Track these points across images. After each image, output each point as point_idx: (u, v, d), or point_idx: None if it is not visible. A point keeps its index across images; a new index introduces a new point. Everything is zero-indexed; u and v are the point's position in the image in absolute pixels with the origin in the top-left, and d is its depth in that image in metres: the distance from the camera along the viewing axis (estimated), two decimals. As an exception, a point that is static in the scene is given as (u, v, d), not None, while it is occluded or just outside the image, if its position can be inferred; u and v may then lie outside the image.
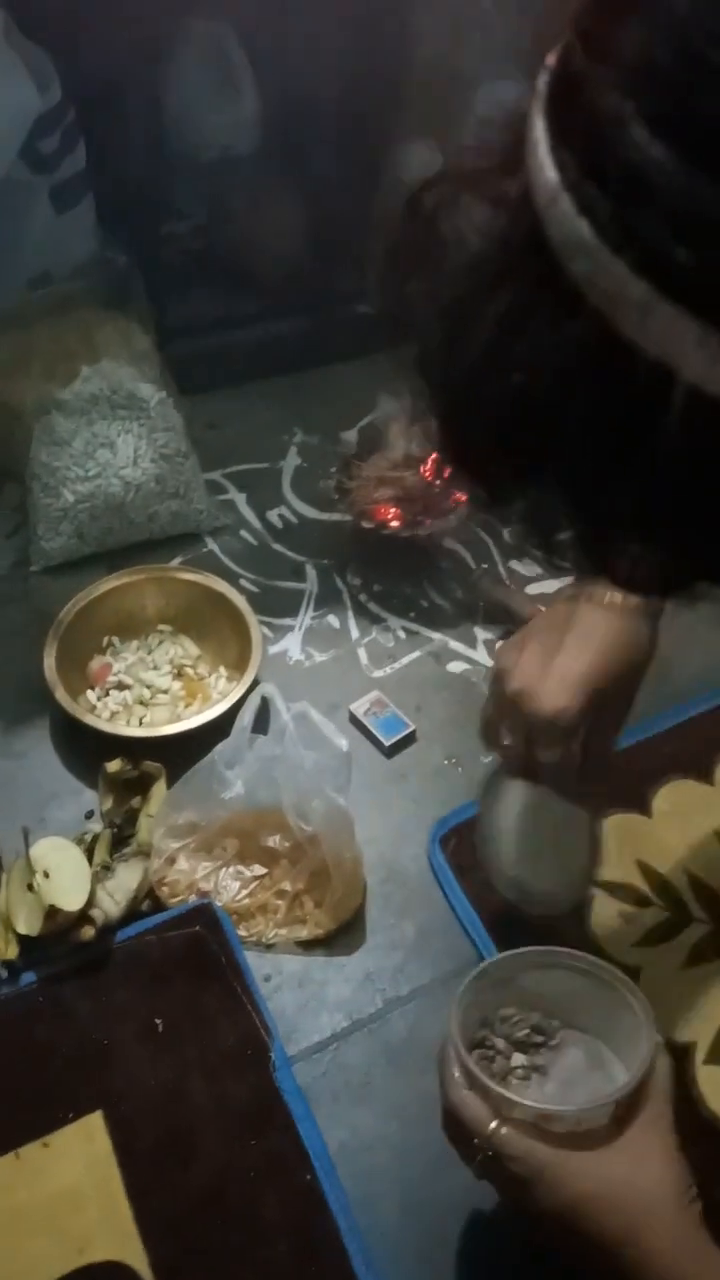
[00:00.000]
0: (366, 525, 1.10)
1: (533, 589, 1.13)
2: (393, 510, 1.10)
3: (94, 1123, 0.74)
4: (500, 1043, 0.68)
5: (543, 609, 0.81)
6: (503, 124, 0.34)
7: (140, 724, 0.96)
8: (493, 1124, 0.60)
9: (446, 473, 1.13)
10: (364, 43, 1.22)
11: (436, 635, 1.09)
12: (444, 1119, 0.65)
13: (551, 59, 0.32)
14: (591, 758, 0.74)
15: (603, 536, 0.37)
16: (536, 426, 0.34)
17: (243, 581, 1.12)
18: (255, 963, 0.83)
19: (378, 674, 1.05)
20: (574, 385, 0.32)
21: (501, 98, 0.96)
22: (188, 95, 1.25)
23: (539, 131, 0.32)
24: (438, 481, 1.12)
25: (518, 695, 0.71)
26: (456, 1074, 0.63)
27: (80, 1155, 0.73)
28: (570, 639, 0.71)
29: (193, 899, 0.84)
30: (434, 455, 1.14)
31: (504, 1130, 0.60)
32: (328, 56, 1.20)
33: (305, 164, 1.29)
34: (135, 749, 0.91)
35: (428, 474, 1.12)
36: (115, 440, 1.08)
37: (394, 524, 1.10)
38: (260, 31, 1.23)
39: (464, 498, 1.13)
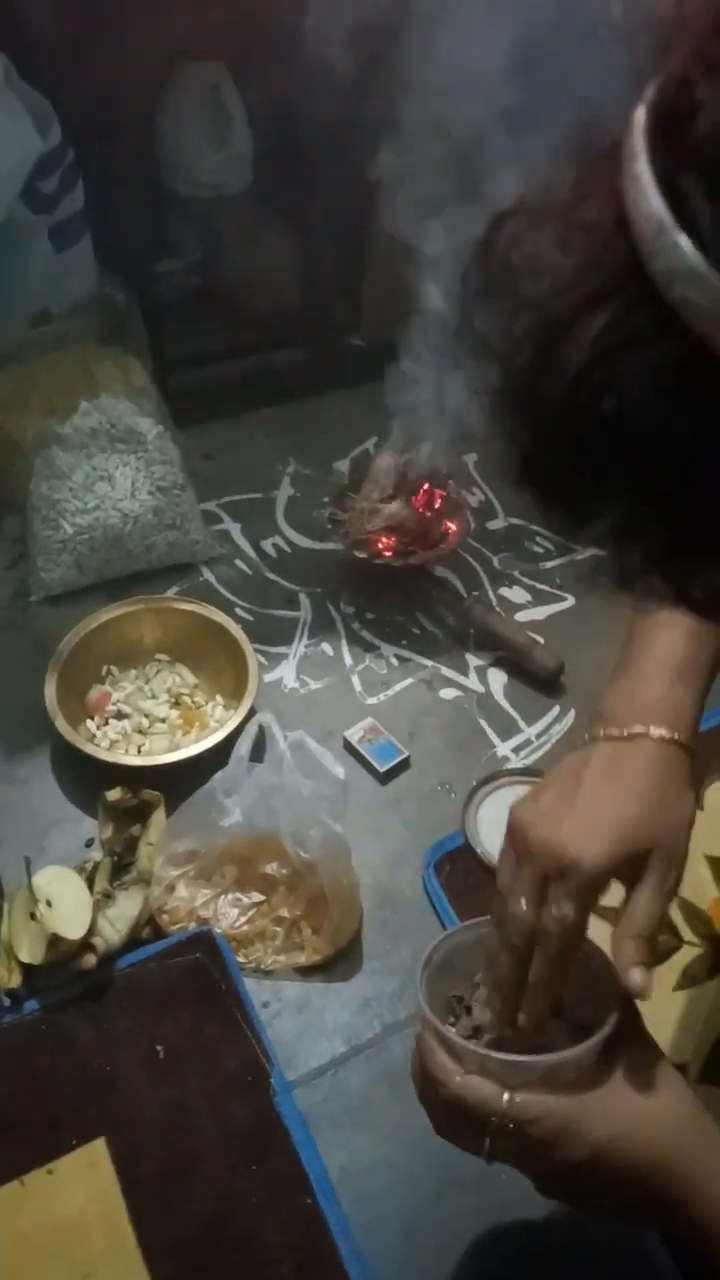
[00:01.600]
0: (359, 555, 1.12)
1: (522, 616, 1.15)
2: (384, 540, 1.12)
3: (97, 1149, 0.75)
4: (475, 1016, 0.65)
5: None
6: (580, 156, 0.35)
7: (139, 752, 0.97)
8: (505, 1096, 0.56)
9: (437, 503, 1.15)
10: (356, 82, 1.25)
11: (429, 662, 1.11)
12: (444, 1114, 0.61)
13: (651, 90, 0.33)
14: (630, 926, 0.61)
15: (689, 558, 0.36)
16: (632, 447, 0.33)
17: (238, 610, 1.14)
18: (254, 989, 0.84)
19: (371, 701, 1.07)
20: (673, 405, 0.32)
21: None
22: (183, 136, 1.27)
23: (641, 163, 0.32)
24: (428, 512, 1.14)
25: (540, 843, 0.60)
26: (449, 1064, 0.59)
27: (84, 1182, 0.74)
28: (598, 776, 0.61)
29: (193, 926, 0.86)
30: (425, 486, 1.16)
31: (518, 1098, 0.56)
32: (319, 96, 1.23)
33: (298, 200, 1.32)
34: (134, 777, 0.92)
35: (419, 504, 1.14)
36: (114, 473, 1.10)
37: (386, 554, 1.12)
38: (253, 72, 1.26)
39: (455, 527, 1.15)
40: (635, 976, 0.59)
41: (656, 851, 0.60)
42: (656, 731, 0.62)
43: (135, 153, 1.18)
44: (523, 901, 0.60)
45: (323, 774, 0.85)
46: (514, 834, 0.62)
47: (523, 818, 0.61)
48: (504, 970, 0.61)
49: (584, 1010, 0.62)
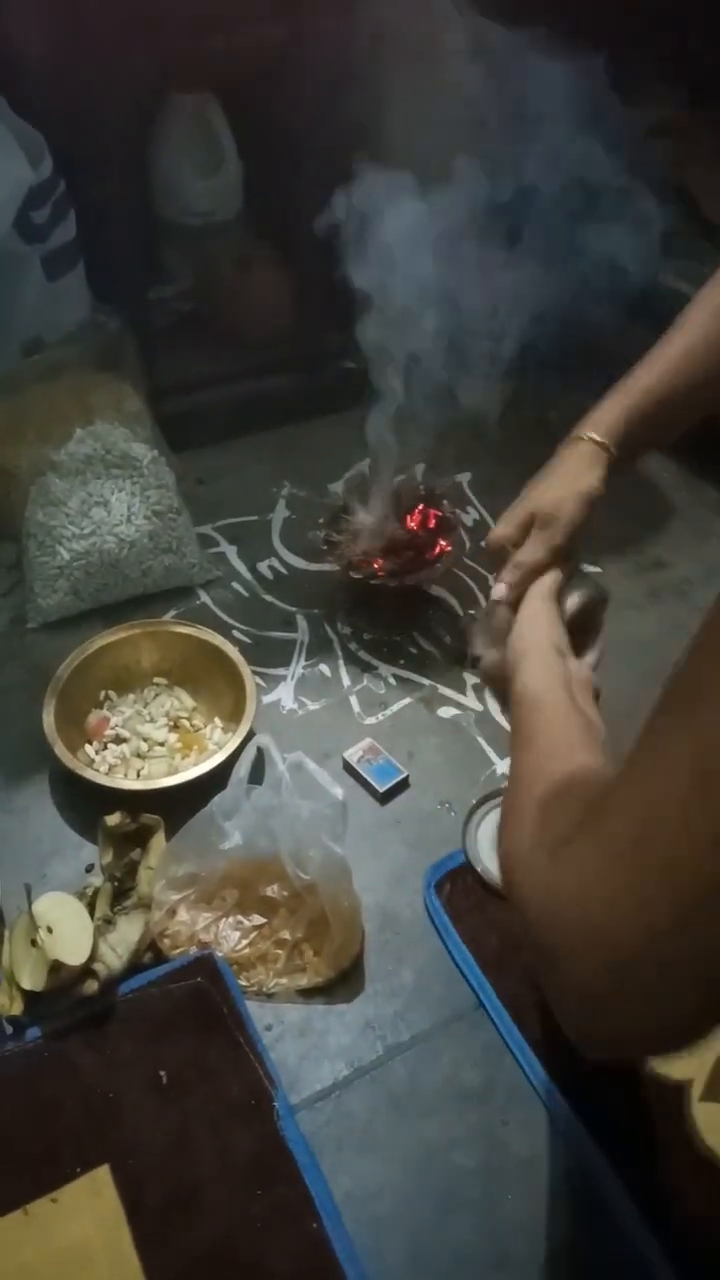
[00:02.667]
0: (355, 576, 1.12)
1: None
2: (379, 561, 1.13)
3: (101, 1177, 0.75)
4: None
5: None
6: None
7: (138, 776, 0.97)
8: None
9: (431, 523, 1.16)
10: (342, 106, 1.27)
11: (426, 681, 1.11)
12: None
13: None
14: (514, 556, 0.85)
15: None
16: None
17: (235, 633, 1.15)
18: (257, 1012, 0.84)
19: (370, 721, 1.07)
20: None
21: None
22: (174, 165, 1.29)
23: None
24: (422, 532, 1.15)
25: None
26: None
27: (89, 1210, 0.74)
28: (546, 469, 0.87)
29: (194, 950, 0.86)
30: (419, 506, 1.16)
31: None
32: (307, 122, 1.24)
33: (288, 226, 1.33)
34: (134, 802, 0.92)
35: (413, 525, 1.14)
36: (109, 499, 1.10)
37: (381, 574, 1.12)
38: (241, 102, 1.28)
39: (449, 547, 1.16)
40: (499, 588, 0.84)
41: (550, 513, 0.83)
42: (587, 434, 0.84)
43: (126, 182, 1.19)
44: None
45: (322, 795, 0.85)
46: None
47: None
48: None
49: None
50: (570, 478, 0.84)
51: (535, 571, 0.83)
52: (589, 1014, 0.49)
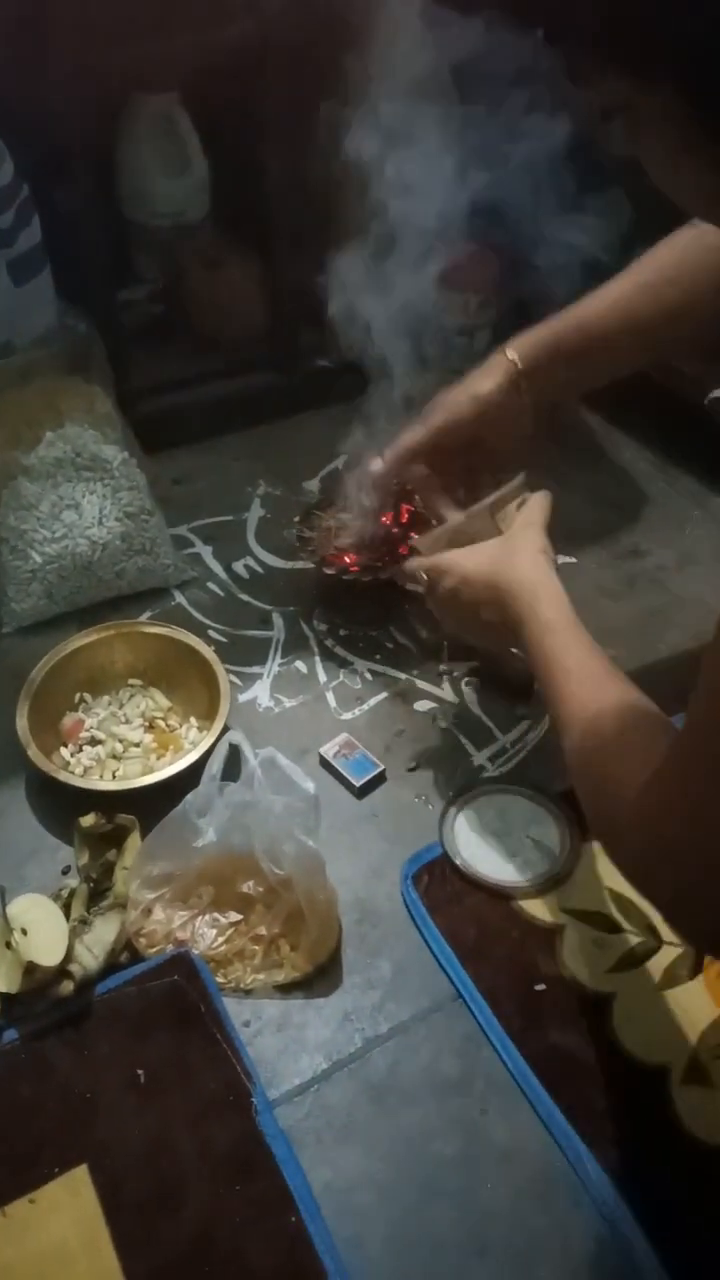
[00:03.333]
0: (328, 571, 1.12)
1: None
2: (351, 556, 1.13)
3: (79, 1177, 0.75)
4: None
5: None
6: None
7: (114, 777, 0.97)
8: (424, 561, 0.93)
9: (404, 518, 1.16)
10: (307, 103, 1.27)
11: (403, 675, 1.11)
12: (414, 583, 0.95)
13: None
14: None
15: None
16: None
17: (211, 632, 1.15)
18: (234, 1009, 0.84)
19: (346, 716, 1.07)
20: None
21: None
22: (140, 166, 1.29)
23: None
24: (395, 526, 1.14)
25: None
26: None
27: (67, 1210, 0.73)
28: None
29: (170, 949, 0.85)
30: (392, 501, 1.16)
31: (413, 562, 0.93)
32: (271, 119, 1.24)
33: (257, 224, 1.33)
34: (110, 802, 0.92)
35: (386, 519, 1.14)
36: (81, 501, 1.10)
37: (354, 569, 1.12)
38: (205, 101, 1.28)
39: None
40: (375, 463, 1.03)
41: (439, 401, 0.96)
42: (508, 351, 0.94)
43: (92, 184, 1.19)
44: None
45: (294, 790, 0.85)
46: None
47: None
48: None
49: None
50: (469, 381, 0.95)
51: (408, 450, 0.97)
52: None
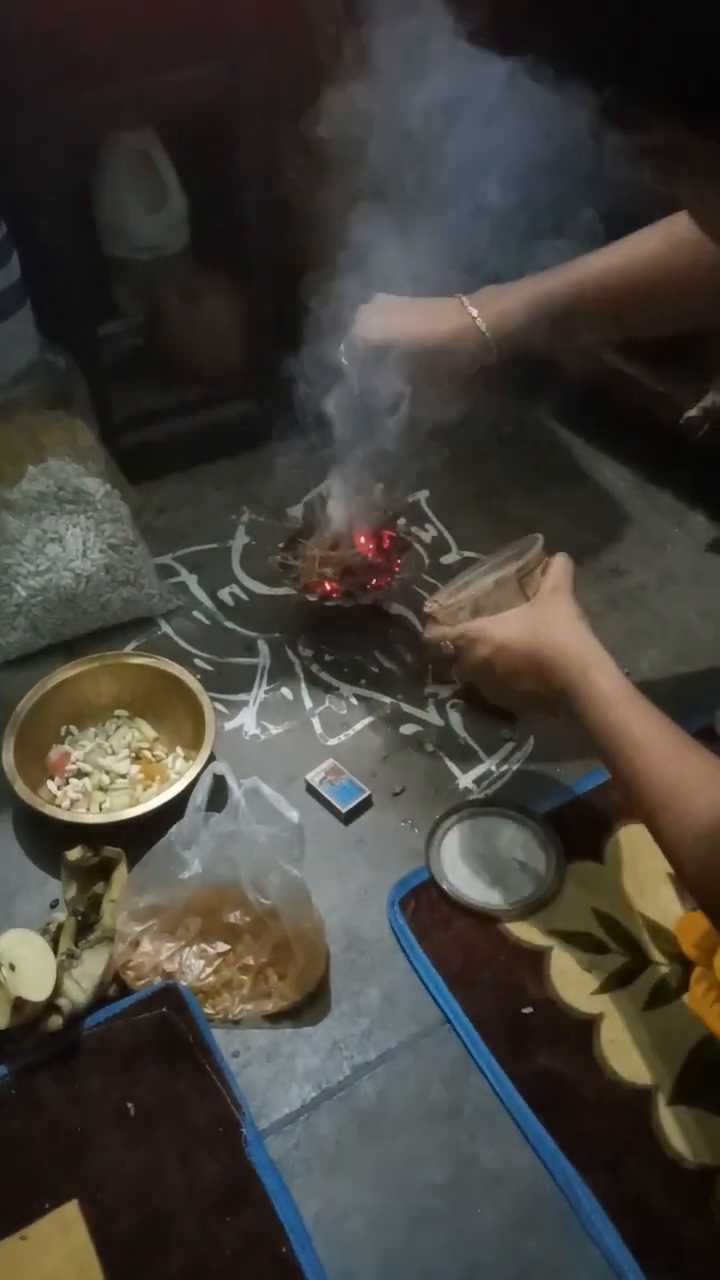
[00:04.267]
0: (311, 598, 1.13)
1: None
2: (334, 583, 1.14)
3: (70, 1213, 0.75)
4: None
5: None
6: None
7: (100, 810, 0.98)
8: (450, 630, 0.89)
9: (386, 543, 1.17)
10: (282, 137, 1.28)
11: (388, 699, 1.12)
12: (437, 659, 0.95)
13: None
14: None
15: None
16: None
17: (197, 661, 1.15)
18: (223, 1039, 0.84)
19: (332, 742, 1.08)
20: None
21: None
22: (118, 201, 1.31)
23: None
24: (378, 552, 1.15)
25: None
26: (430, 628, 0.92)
27: (59, 1246, 0.74)
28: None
29: (158, 981, 0.86)
30: (374, 527, 1.17)
31: (442, 629, 0.89)
32: (247, 153, 1.26)
33: (235, 256, 1.34)
34: (97, 835, 0.93)
35: (368, 545, 1.15)
36: (64, 534, 1.11)
37: (336, 595, 1.13)
38: (183, 136, 1.30)
39: (399, 564, 1.16)
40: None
41: (408, 363, 0.92)
42: (480, 321, 0.92)
43: (71, 220, 1.21)
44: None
45: (278, 819, 0.85)
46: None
47: (361, 307, 0.97)
48: None
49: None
50: (431, 318, 0.94)
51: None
52: None
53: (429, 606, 0.96)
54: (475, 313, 0.92)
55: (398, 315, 0.94)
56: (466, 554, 1.29)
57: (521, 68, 0.58)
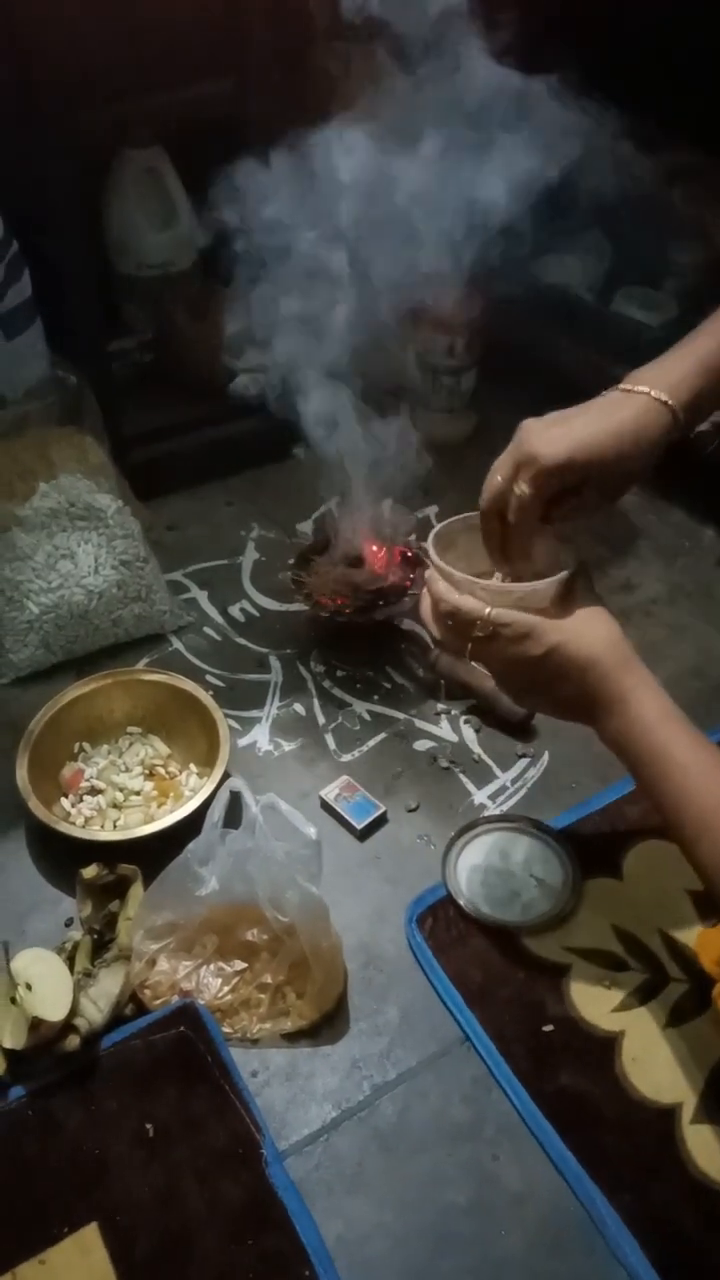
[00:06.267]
0: (323, 615, 1.13)
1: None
2: (345, 599, 1.14)
3: (89, 1236, 0.74)
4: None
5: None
6: None
7: (114, 827, 0.97)
8: (487, 609, 0.77)
9: (397, 558, 1.16)
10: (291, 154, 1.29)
11: (401, 715, 1.11)
12: (441, 625, 0.80)
13: None
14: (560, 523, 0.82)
15: None
16: None
17: (209, 677, 1.15)
18: (241, 1059, 0.83)
19: (346, 758, 1.07)
20: None
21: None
22: (128, 219, 1.31)
23: None
24: (389, 568, 1.15)
25: (522, 438, 0.77)
26: (448, 587, 0.79)
27: (78, 1271, 0.73)
28: (594, 409, 0.78)
29: (175, 999, 0.85)
30: (385, 542, 1.17)
31: (497, 611, 0.76)
32: (254, 172, 1.27)
33: (244, 272, 1.34)
34: (111, 852, 0.92)
35: (379, 561, 1.15)
36: (76, 551, 1.11)
37: (348, 612, 1.13)
38: (192, 154, 1.30)
39: (411, 580, 1.16)
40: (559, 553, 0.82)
41: (599, 469, 0.76)
42: (655, 393, 0.76)
43: (81, 239, 1.21)
44: (498, 476, 0.78)
45: (296, 836, 0.85)
46: (517, 432, 0.78)
47: (524, 423, 0.78)
48: (486, 526, 0.81)
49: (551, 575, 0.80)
50: (602, 414, 0.77)
51: (555, 470, 0.77)
52: None
53: (436, 559, 0.82)
54: (646, 388, 0.78)
55: (569, 422, 0.78)
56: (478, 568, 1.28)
57: (546, 87, 0.58)
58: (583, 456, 0.75)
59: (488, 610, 0.77)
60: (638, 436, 0.76)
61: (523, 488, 0.77)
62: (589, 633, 0.78)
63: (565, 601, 0.80)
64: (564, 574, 0.80)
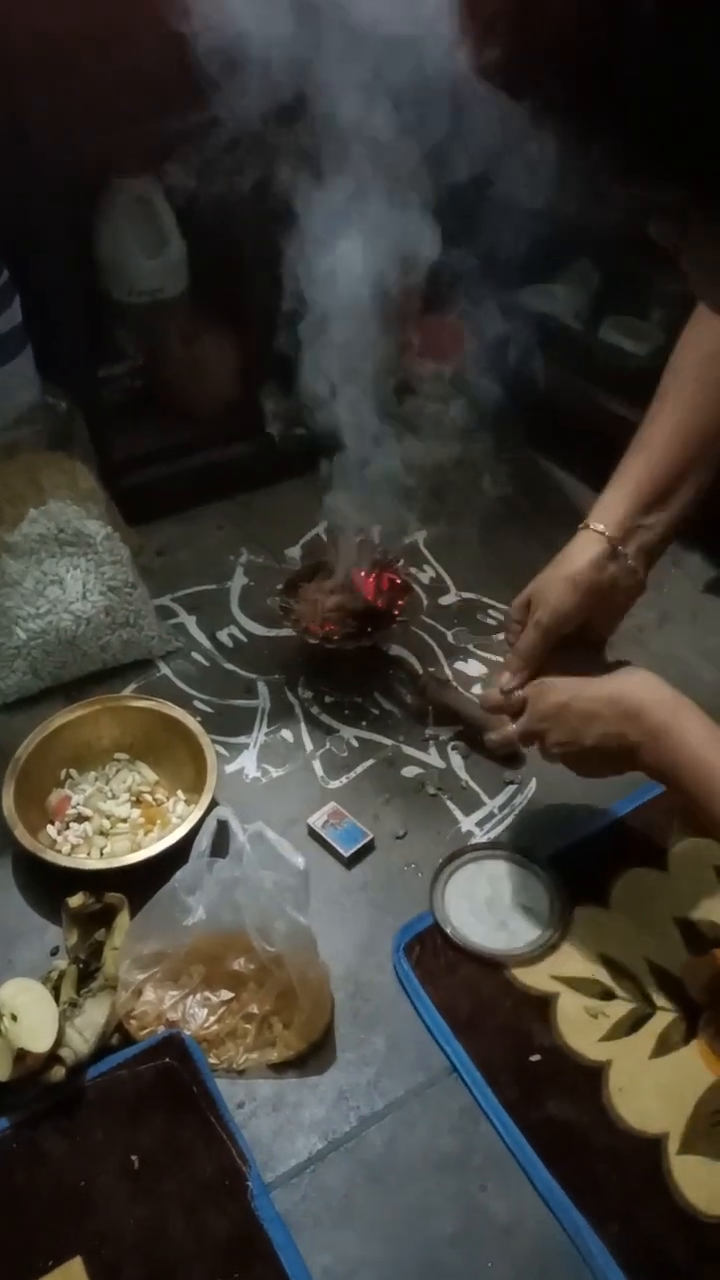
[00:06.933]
0: (312, 641, 1.13)
1: (478, 689, 1.16)
2: (334, 625, 1.14)
3: (74, 1270, 0.73)
4: None
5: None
6: None
7: (101, 855, 0.97)
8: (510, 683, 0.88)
9: (385, 585, 1.17)
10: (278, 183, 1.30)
11: (389, 741, 1.12)
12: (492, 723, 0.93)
13: None
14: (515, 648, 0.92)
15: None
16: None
17: (197, 703, 1.15)
18: (228, 1090, 0.83)
19: (334, 785, 1.07)
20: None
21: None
22: (119, 247, 1.32)
23: None
24: (378, 594, 1.16)
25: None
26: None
27: (62, 1306, 0.72)
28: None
29: (162, 1030, 0.85)
30: (375, 569, 1.18)
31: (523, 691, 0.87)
32: (245, 200, 1.28)
33: (234, 299, 1.35)
34: (97, 881, 0.92)
35: (368, 588, 1.15)
36: (64, 577, 1.11)
37: (337, 638, 1.13)
38: (180, 184, 1.31)
39: (401, 607, 1.17)
40: (505, 678, 0.90)
41: (538, 595, 0.88)
42: (593, 525, 0.87)
43: (72, 265, 1.22)
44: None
45: (284, 865, 0.85)
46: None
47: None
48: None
49: None
50: (561, 562, 0.88)
51: (530, 653, 0.89)
52: None
53: (511, 651, 0.91)
54: (589, 522, 0.88)
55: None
56: (465, 595, 1.29)
57: (530, 113, 0.59)
58: (551, 623, 0.87)
59: (511, 683, 0.88)
60: (596, 576, 0.87)
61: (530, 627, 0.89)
62: (612, 675, 0.83)
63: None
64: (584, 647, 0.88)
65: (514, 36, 0.51)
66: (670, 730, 0.78)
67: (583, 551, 0.87)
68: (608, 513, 0.87)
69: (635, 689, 0.81)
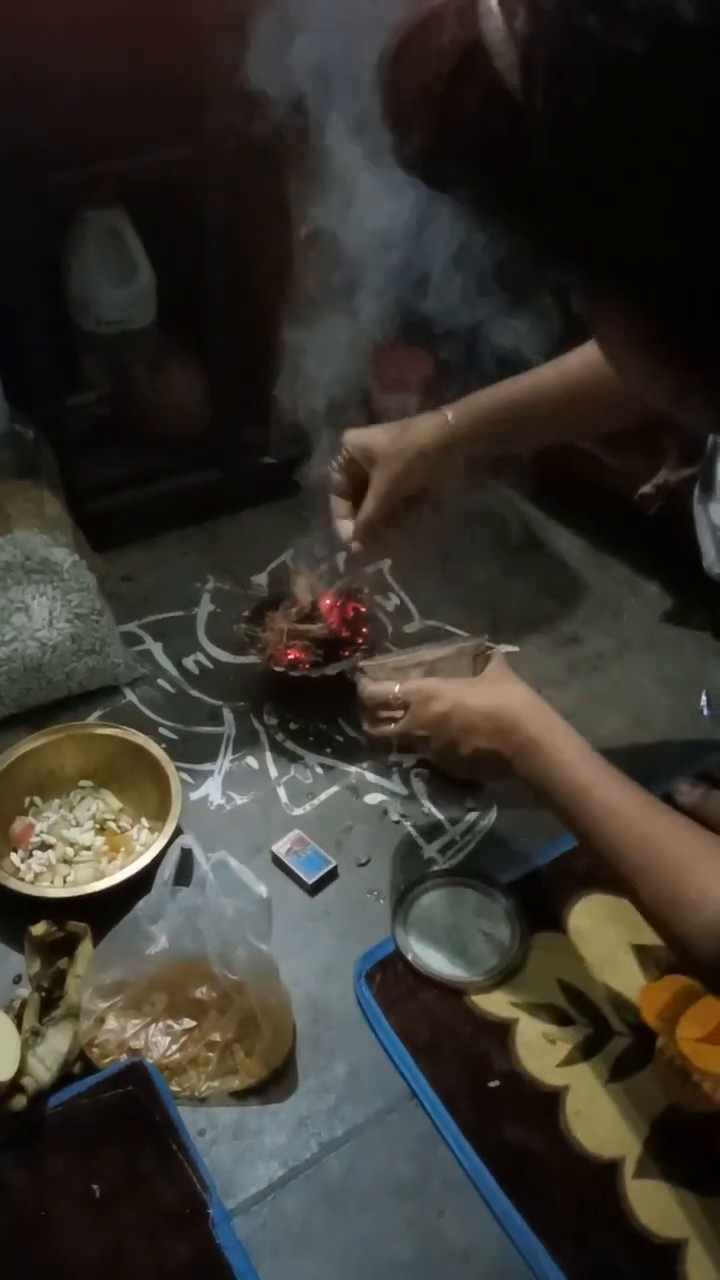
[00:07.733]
0: (277, 668, 1.15)
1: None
2: (299, 654, 1.15)
3: (33, 1301, 0.74)
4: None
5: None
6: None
7: (64, 883, 0.97)
8: (396, 686, 0.90)
9: (350, 613, 1.18)
10: (247, 215, 1.32)
11: (353, 769, 1.13)
12: (369, 720, 0.94)
13: None
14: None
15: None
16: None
17: (162, 730, 1.16)
18: (189, 1117, 0.83)
19: (298, 812, 1.08)
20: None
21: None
22: (88, 277, 1.33)
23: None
24: (343, 623, 1.17)
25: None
26: (364, 682, 0.93)
27: (21, 1337, 0.72)
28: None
29: (124, 1058, 0.85)
30: (339, 598, 1.19)
31: (404, 685, 0.89)
32: (215, 230, 1.30)
33: (202, 329, 1.37)
34: (61, 909, 0.92)
35: (333, 616, 1.17)
36: (30, 604, 1.12)
37: (303, 666, 1.14)
38: (151, 214, 1.33)
39: (364, 634, 1.18)
40: (349, 535, 1.06)
41: (377, 459, 1.01)
42: (449, 413, 0.99)
43: (41, 295, 1.23)
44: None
45: (246, 893, 0.86)
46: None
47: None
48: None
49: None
50: (407, 436, 1.00)
51: (373, 524, 1.03)
52: None
53: (364, 664, 0.96)
54: (452, 417, 0.99)
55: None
56: (429, 622, 1.31)
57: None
58: (389, 489, 1.01)
59: (396, 687, 0.89)
60: (434, 455, 0.99)
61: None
62: (493, 687, 0.87)
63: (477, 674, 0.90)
64: (474, 642, 0.92)
65: (428, 130, 0.54)
66: (542, 745, 0.81)
67: (432, 432, 0.99)
68: (464, 413, 0.99)
69: (511, 703, 0.84)
